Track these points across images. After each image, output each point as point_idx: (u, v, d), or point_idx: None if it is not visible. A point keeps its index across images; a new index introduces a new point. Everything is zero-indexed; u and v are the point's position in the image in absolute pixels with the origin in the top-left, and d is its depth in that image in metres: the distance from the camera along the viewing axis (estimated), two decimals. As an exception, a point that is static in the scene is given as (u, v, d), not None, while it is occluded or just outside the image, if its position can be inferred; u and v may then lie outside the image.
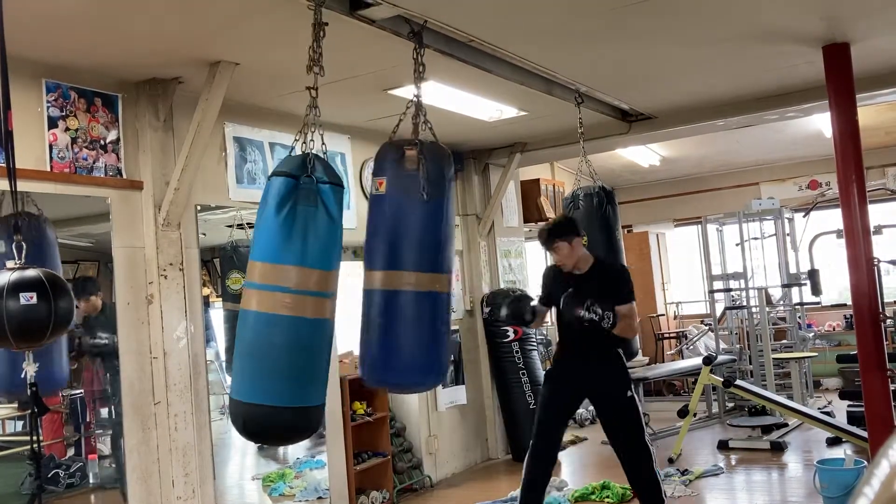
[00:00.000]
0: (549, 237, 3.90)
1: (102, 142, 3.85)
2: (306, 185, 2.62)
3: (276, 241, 2.61)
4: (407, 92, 4.51)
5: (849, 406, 6.41)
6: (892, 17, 4.02)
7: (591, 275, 3.92)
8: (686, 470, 5.56)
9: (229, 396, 2.75)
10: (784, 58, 4.61)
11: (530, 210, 7.62)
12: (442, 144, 3.05)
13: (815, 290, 7.50)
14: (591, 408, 8.02)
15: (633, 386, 3.97)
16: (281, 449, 6.92)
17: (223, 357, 5.98)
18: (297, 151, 2.75)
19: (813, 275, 7.48)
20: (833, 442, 6.07)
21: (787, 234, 8.22)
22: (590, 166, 4.76)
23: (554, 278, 4.05)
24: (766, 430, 6.40)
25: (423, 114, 3.05)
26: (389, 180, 2.94)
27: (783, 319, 8.42)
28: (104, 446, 4.34)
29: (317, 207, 2.64)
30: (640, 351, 6.99)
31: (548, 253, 3.97)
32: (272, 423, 2.63)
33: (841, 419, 6.32)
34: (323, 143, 2.77)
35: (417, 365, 2.93)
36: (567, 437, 7.10)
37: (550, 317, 4.51)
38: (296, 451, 6.77)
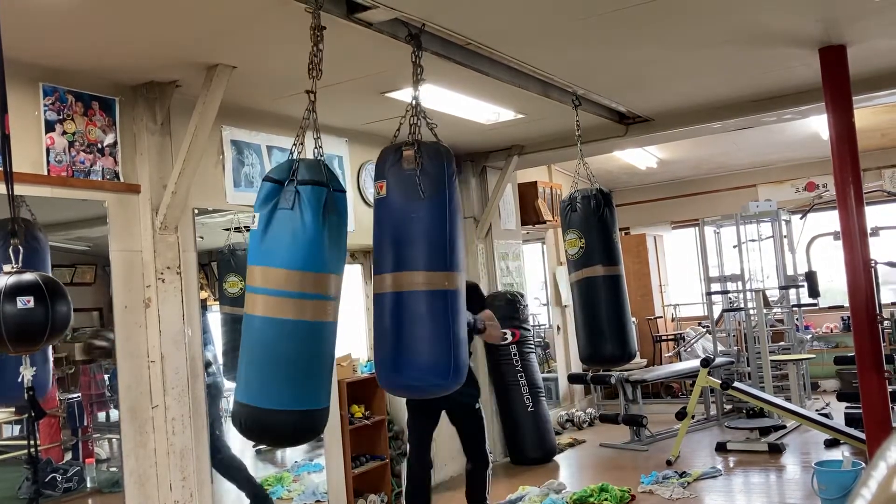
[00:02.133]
0: None
1: (100, 145, 3.85)
2: (332, 196, 2.66)
3: (311, 249, 2.62)
4: (404, 95, 4.51)
5: (846, 408, 6.42)
6: (888, 19, 4.03)
7: None
8: (684, 472, 5.56)
9: (234, 399, 2.76)
10: (781, 60, 4.62)
11: (528, 213, 7.62)
12: (441, 143, 3.05)
13: (813, 293, 7.50)
14: (589, 410, 8.07)
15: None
16: (279, 452, 6.90)
17: (221, 360, 5.97)
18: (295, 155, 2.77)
19: (810, 277, 7.48)
20: (831, 444, 6.07)
21: (785, 236, 8.23)
22: (587, 169, 4.76)
23: None
24: (765, 432, 6.40)
25: (424, 115, 3.05)
26: (389, 183, 2.95)
27: (781, 321, 8.42)
28: (102, 450, 4.34)
29: (339, 217, 2.68)
30: (637, 353, 7.01)
31: None
32: (276, 425, 2.67)
33: (839, 421, 6.33)
34: (320, 147, 2.78)
35: (433, 365, 2.90)
36: (565, 439, 7.11)
37: None
38: (294, 454, 6.76)
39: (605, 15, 3.63)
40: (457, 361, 2.94)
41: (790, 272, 8.23)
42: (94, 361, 4.18)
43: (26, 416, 2.83)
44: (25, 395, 2.66)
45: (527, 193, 7.65)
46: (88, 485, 4.18)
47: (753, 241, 8.27)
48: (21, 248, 2.60)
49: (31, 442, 2.82)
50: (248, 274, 2.70)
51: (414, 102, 3.07)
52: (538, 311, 8.90)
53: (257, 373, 2.67)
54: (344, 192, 2.78)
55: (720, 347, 8.07)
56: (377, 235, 2.99)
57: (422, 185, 2.87)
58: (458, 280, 2.97)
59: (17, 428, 4.09)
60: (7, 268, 2.57)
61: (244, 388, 2.71)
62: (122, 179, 3.94)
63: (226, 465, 4.56)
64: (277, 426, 2.68)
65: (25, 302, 2.48)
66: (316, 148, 2.77)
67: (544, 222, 7.74)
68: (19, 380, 2.66)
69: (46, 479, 3.90)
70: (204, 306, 4.96)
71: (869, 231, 4.40)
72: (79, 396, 4.33)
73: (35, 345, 2.57)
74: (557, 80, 4.72)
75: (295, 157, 2.72)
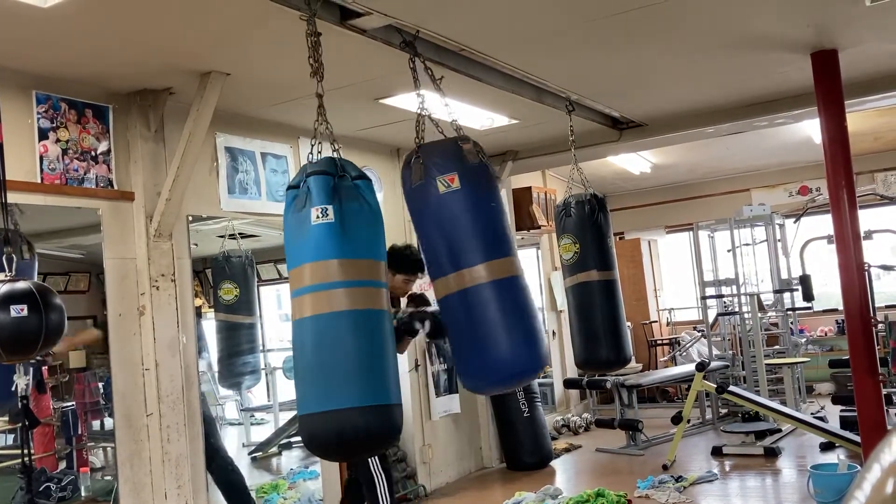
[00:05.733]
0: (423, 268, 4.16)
1: (93, 153, 3.84)
2: (344, 182, 2.64)
3: (327, 238, 2.54)
4: (399, 101, 4.52)
5: (841, 411, 6.42)
6: (879, 23, 4.05)
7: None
8: (680, 476, 5.56)
9: (298, 415, 2.57)
10: (773, 65, 4.64)
11: (522, 218, 7.63)
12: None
13: (807, 296, 7.52)
14: (585, 415, 8.07)
15: None
16: (274, 460, 6.89)
17: (215, 368, 5.96)
18: (302, 161, 2.80)
19: (804, 280, 7.50)
20: (826, 447, 6.08)
21: (779, 240, 8.25)
22: (581, 174, 4.77)
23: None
24: (760, 435, 6.41)
25: (442, 119, 3.12)
26: (461, 175, 2.91)
27: (775, 325, 8.43)
28: (96, 459, 4.32)
29: (360, 202, 2.63)
30: (633, 358, 7.01)
31: (413, 279, 4.13)
32: (351, 426, 2.43)
33: (834, 424, 6.33)
34: (339, 148, 2.79)
35: (514, 354, 2.87)
36: (561, 444, 7.10)
37: None
38: (289, 461, 6.74)
39: (599, 20, 3.64)
40: (535, 343, 2.93)
41: (784, 276, 8.25)
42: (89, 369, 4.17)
43: (20, 424, 2.82)
44: (19, 404, 2.65)
45: (521, 198, 7.65)
46: (83, 494, 4.16)
47: (747, 245, 8.29)
48: (15, 257, 2.59)
49: (26, 451, 2.81)
50: (319, 269, 2.52)
51: (420, 110, 3.12)
52: (533, 316, 8.89)
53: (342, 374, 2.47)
54: (363, 178, 2.76)
55: (715, 351, 8.08)
56: (449, 229, 2.92)
57: (490, 178, 3.02)
58: (519, 264, 3.06)
59: (10, 437, 4.08)
60: (0, 276, 2.56)
61: (321, 396, 2.49)
62: (115, 187, 3.94)
63: (221, 471, 4.56)
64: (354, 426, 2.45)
65: (19, 310, 2.47)
66: (338, 148, 2.78)
67: (539, 227, 7.74)
68: (12, 388, 2.65)
69: (41, 489, 3.88)
70: (198, 314, 4.96)
71: (862, 234, 4.42)
72: (73, 405, 4.31)
73: (29, 353, 2.56)
74: (551, 85, 4.73)
75: (315, 159, 2.73)
